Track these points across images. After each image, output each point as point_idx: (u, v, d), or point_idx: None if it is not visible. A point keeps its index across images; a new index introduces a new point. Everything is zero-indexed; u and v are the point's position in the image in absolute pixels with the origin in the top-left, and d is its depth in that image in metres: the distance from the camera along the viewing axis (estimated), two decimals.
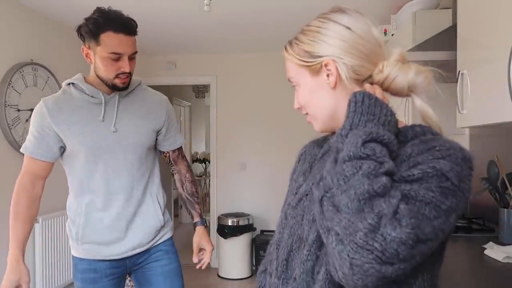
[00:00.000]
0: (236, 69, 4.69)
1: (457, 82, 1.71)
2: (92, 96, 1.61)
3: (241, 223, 4.31)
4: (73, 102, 1.61)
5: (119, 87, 1.59)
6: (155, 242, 1.76)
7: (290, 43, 0.91)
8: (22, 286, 1.54)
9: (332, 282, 0.77)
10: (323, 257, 0.80)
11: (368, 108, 0.76)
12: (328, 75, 0.86)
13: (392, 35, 2.88)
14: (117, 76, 1.56)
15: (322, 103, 0.88)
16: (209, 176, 5.14)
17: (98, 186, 1.63)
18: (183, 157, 1.88)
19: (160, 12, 3.22)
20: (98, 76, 1.59)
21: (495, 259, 1.58)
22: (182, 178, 1.86)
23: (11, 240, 1.57)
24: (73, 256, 1.73)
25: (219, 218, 4.46)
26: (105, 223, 1.65)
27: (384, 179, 0.68)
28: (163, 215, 1.77)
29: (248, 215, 4.43)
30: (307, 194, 0.89)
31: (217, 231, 4.41)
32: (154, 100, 1.74)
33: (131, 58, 1.57)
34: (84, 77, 1.65)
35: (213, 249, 1.81)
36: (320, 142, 1.01)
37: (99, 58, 1.54)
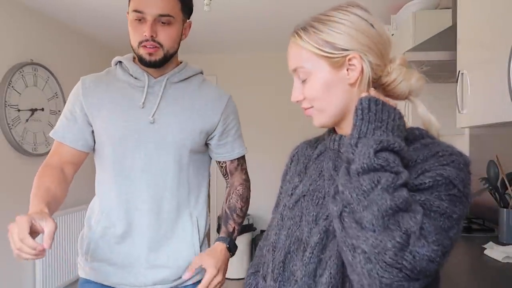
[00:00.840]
0: (236, 69, 4.69)
1: (457, 82, 1.71)
2: (136, 78, 1.34)
3: None
4: (115, 82, 1.36)
5: (146, 61, 1.28)
6: (185, 283, 1.34)
7: (305, 29, 0.83)
8: (44, 234, 1.03)
9: (335, 286, 0.76)
10: (326, 261, 0.78)
11: (375, 114, 0.75)
12: (348, 70, 0.82)
13: (392, 35, 2.88)
14: (141, 44, 1.26)
15: (337, 98, 0.83)
16: (209, 176, 5.16)
17: (120, 189, 1.33)
18: (243, 169, 1.49)
19: None
20: (132, 48, 1.31)
21: (495, 259, 1.58)
22: (231, 190, 1.44)
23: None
24: (79, 278, 1.42)
25: (219, 218, 4.46)
26: (121, 238, 1.33)
27: (404, 193, 0.67)
28: (200, 246, 1.37)
29: (248, 215, 4.43)
30: (304, 195, 0.88)
31: (217, 231, 4.42)
32: (212, 95, 1.39)
33: (163, 22, 1.25)
34: (135, 57, 1.36)
35: (216, 277, 1.24)
36: (313, 143, 0.99)
37: (128, 21, 1.29)
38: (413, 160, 0.75)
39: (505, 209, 1.82)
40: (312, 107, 0.86)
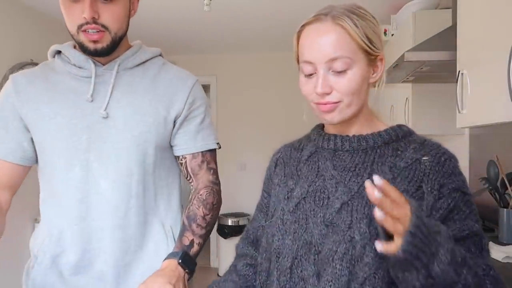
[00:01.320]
0: (236, 69, 4.69)
1: (457, 82, 1.71)
2: (80, 67, 1.09)
3: (241, 223, 4.31)
4: (54, 76, 1.11)
5: (90, 49, 1.04)
6: None
7: (350, 18, 0.80)
8: None
9: None
10: (365, 277, 0.75)
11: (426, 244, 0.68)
12: (373, 71, 0.84)
13: (392, 35, 2.88)
14: (80, 29, 1.02)
15: (363, 95, 0.84)
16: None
17: (72, 203, 1.07)
18: (210, 169, 1.18)
19: (160, 12, 3.22)
20: (71, 35, 1.08)
21: (495, 259, 1.58)
22: (193, 196, 1.15)
23: None
24: None
25: (219, 218, 4.46)
26: (76, 268, 1.09)
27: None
28: None
29: (248, 215, 4.43)
30: (304, 197, 0.86)
31: (217, 231, 4.42)
32: (176, 77, 1.15)
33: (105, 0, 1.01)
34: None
35: None
36: (297, 146, 0.97)
37: (60, 1, 1.04)
38: (422, 170, 0.80)
39: (505, 209, 1.82)
40: (339, 101, 0.82)
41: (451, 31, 1.93)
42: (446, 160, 0.80)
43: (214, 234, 4.55)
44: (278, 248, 0.86)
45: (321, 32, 0.80)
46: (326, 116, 0.84)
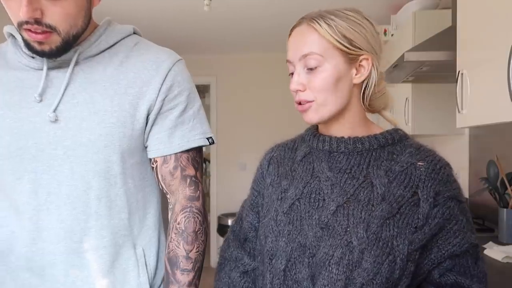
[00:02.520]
0: (236, 69, 4.69)
1: (457, 82, 1.71)
2: (32, 57, 0.89)
3: None
4: (3, 64, 0.92)
5: (36, 50, 0.84)
6: None
7: (324, 19, 0.82)
8: None
9: None
10: (356, 277, 0.75)
11: None
12: (357, 70, 0.84)
13: (392, 35, 2.88)
14: (22, 27, 0.81)
15: (341, 95, 0.83)
16: (209, 176, 5.14)
17: (19, 223, 0.89)
18: (187, 177, 0.94)
19: (159, 12, 3.22)
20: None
21: (495, 259, 1.58)
22: (171, 225, 0.94)
23: None
24: None
25: (219, 218, 4.46)
26: None
27: None
28: (151, 285, 0.95)
29: None
30: (299, 198, 0.84)
31: (217, 231, 4.42)
32: (148, 59, 0.92)
33: None
34: None
35: None
36: (291, 146, 0.96)
37: None
38: (418, 176, 0.81)
39: (505, 209, 1.83)
40: (312, 101, 0.83)
41: (451, 31, 1.93)
42: (441, 167, 0.81)
43: (214, 234, 4.55)
44: (271, 249, 0.84)
45: (296, 33, 0.85)
46: (304, 116, 0.86)
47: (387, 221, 0.77)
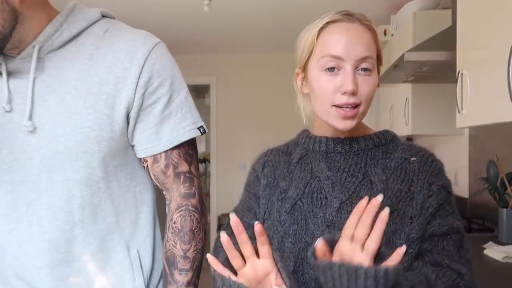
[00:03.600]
0: (236, 69, 4.69)
1: (456, 82, 1.71)
2: None
3: None
4: None
5: None
6: None
7: (369, 21, 0.81)
8: None
9: None
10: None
11: None
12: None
13: (392, 35, 2.88)
14: None
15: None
16: (209, 176, 5.15)
17: (2, 236, 0.86)
18: (180, 174, 0.89)
19: (160, 12, 3.22)
20: None
21: (495, 259, 1.58)
22: (167, 224, 0.90)
23: None
24: None
25: (219, 218, 4.46)
26: None
27: None
28: (147, 286, 0.92)
29: None
30: (300, 198, 0.84)
31: (217, 231, 4.42)
32: (122, 49, 0.82)
33: None
34: None
35: None
36: (285, 150, 0.95)
37: None
38: (411, 170, 0.82)
39: (505, 209, 1.83)
40: (359, 105, 0.80)
41: (451, 31, 1.93)
42: (433, 161, 0.84)
43: (214, 234, 4.55)
44: (277, 251, 0.81)
45: (353, 30, 0.79)
46: (343, 123, 0.80)
47: (389, 216, 0.78)
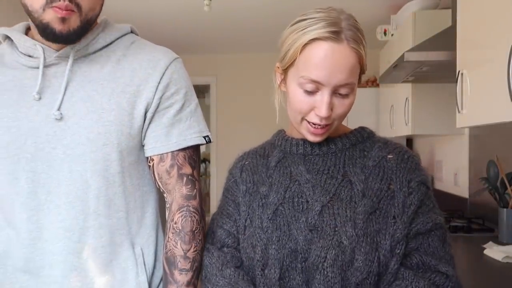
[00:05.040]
0: (236, 69, 4.69)
1: (456, 82, 1.71)
2: (28, 56, 0.89)
3: None
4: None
5: (54, 30, 0.83)
6: None
7: (362, 42, 0.78)
8: None
9: None
10: (350, 278, 0.75)
11: None
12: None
13: (392, 35, 2.88)
14: (50, 5, 0.81)
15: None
16: (209, 176, 5.14)
17: (17, 225, 0.88)
18: (183, 176, 0.94)
19: (160, 12, 3.22)
20: (26, 11, 0.86)
21: (495, 259, 1.58)
22: (168, 225, 0.94)
23: None
24: None
25: None
26: None
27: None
28: (149, 285, 0.94)
29: None
30: (281, 203, 0.83)
31: None
32: (145, 58, 0.93)
33: None
34: (29, 28, 0.93)
35: None
36: (262, 153, 0.94)
37: None
38: (389, 168, 0.83)
39: (505, 209, 1.83)
40: (331, 123, 0.82)
41: (451, 31, 1.93)
42: (409, 157, 0.84)
43: None
44: (262, 259, 0.80)
45: (338, 54, 0.76)
46: (315, 137, 0.83)
47: (370, 216, 0.79)
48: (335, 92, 0.78)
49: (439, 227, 0.81)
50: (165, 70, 0.92)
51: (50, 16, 0.81)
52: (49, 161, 0.86)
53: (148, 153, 0.93)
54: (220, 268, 0.86)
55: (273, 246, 0.80)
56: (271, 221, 0.82)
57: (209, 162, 7.15)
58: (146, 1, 2.99)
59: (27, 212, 0.87)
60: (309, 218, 0.80)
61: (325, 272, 0.75)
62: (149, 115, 0.91)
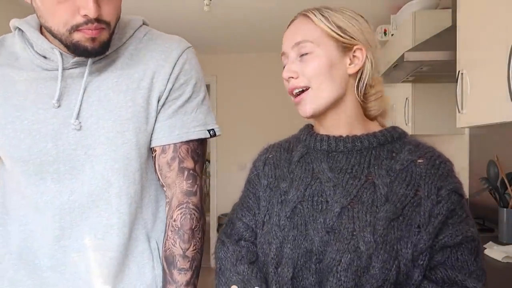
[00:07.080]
0: (236, 69, 4.69)
1: (456, 82, 1.71)
2: (44, 57, 0.87)
3: None
4: (11, 62, 0.89)
5: (87, 50, 0.82)
6: None
7: (320, 11, 0.84)
8: None
9: None
10: (365, 284, 0.73)
11: None
12: (351, 61, 0.83)
13: (392, 35, 2.88)
14: (76, 29, 0.79)
15: (335, 81, 0.82)
16: (209, 176, 5.15)
17: (41, 222, 0.90)
18: (184, 170, 0.91)
19: (160, 12, 3.22)
20: (49, 32, 0.83)
21: (495, 259, 1.58)
22: (167, 222, 0.92)
23: None
24: None
25: (219, 218, 4.47)
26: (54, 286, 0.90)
27: None
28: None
29: None
30: (301, 201, 0.81)
31: (217, 231, 4.42)
32: (158, 49, 0.91)
33: None
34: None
35: None
36: (287, 146, 0.93)
37: None
38: (418, 173, 0.79)
39: (505, 209, 1.82)
40: (308, 88, 0.82)
41: (451, 31, 1.93)
42: (441, 163, 0.80)
43: (214, 234, 4.55)
44: (276, 257, 0.80)
45: (292, 26, 0.88)
46: (300, 108, 0.84)
47: (392, 223, 0.75)
48: (298, 55, 0.84)
49: (470, 240, 0.76)
50: (177, 60, 0.91)
51: (79, 36, 0.81)
52: (71, 162, 0.87)
53: (151, 144, 0.92)
54: (234, 263, 0.85)
55: (288, 245, 0.79)
56: (289, 219, 0.81)
57: (209, 162, 7.16)
58: (146, 1, 2.99)
59: (51, 210, 0.87)
60: (327, 220, 0.78)
61: (339, 276, 0.74)
62: (159, 107, 0.90)
